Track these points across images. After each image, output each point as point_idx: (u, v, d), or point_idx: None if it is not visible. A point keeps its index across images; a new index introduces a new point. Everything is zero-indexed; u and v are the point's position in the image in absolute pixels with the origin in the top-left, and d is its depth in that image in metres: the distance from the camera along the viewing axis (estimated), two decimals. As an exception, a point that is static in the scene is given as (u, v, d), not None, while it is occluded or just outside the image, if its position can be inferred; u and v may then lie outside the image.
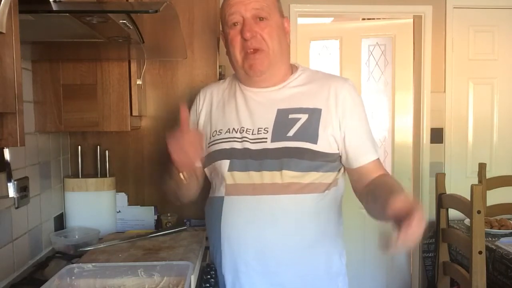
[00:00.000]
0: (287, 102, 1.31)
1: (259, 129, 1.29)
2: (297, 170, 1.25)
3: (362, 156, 1.30)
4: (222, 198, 1.31)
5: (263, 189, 1.25)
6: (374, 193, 1.23)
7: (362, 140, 1.31)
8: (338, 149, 1.30)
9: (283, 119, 1.29)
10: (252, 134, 1.29)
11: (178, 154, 1.23)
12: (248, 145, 1.28)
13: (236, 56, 1.31)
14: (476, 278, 2.04)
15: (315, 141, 1.26)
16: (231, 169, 1.29)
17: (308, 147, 1.25)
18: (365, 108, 1.36)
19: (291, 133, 1.26)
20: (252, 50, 1.28)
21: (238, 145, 1.29)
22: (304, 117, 1.28)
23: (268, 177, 1.25)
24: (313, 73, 1.39)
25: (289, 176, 1.25)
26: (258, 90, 1.35)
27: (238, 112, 1.33)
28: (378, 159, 1.33)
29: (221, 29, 1.40)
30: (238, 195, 1.28)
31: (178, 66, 1.98)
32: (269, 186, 1.25)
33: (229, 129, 1.32)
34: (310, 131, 1.27)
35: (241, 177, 1.28)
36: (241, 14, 1.27)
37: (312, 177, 1.27)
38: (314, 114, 1.28)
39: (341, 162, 1.33)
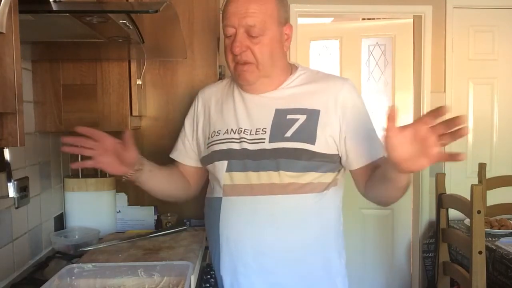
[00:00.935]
0: (285, 103, 1.30)
1: (257, 130, 1.28)
2: (295, 170, 1.24)
3: (361, 157, 1.29)
4: (220, 199, 1.30)
5: (261, 190, 1.25)
6: (374, 176, 1.25)
7: (361, 140, 1.29)
8: (338, 150, 1.29)
9: (281, 120, 1.28)
10: (250, 134, 1.28)
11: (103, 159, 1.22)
12: (246, 146, 1.28)
13: (228, 63, 1.31)
14: (476, 278, 2.04)
15: (313, 142, 1.25)
16: (229, 169, 1.28)
17: (306, 148, 1.24)
18: (365, 107, 1.35)
19: (289, 133, 1.26)
20: (243, 62, 1.27)
21: (236, 146, 1.29)
22: (302, 118, 1.27)
23: (266, 177, 1.25)
24: (313, 74, 1.38)
25: (287, 176, 1.24)
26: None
27: (236, 113, 1.33)
28: (381, 158, 1.29)
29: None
30: (236, 195, 1.27)
31: (178, 66, 1.98)
32: (267, 187, 1.25)
33: (227, 129, 1.32)
34: (308, 132, 1.26)
35: (239, 177, 1.27)
36: (234, 27, 1.25)
37: (311, 177, 1.26)
38: (313, 115, 1.27)
39: (341, 163, 1.33)
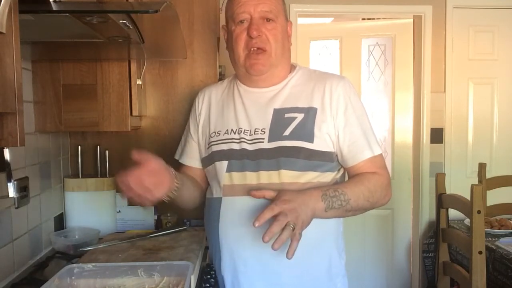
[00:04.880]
0: (283, 102, 1.32)
1: (256, 130, 1.29)
2: (295, 169, 1.25)
3: (356, 154, 1.30)
4: (220, 199, 1.31)
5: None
6: None
7: (356, 137, 1.30)
8: (334, 148, 1.30)
9: (279, 119, 1.29)
10: (250, 135, 1.29)
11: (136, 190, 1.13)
12: (245, 146, 1.29)
13: (239, 53, 1.31)
14: (476, 278, 2.04)
15: (311, 140, 1.26)
16: (229, 169, 1.29)
17: (304, 146, 1.25)
18: (363, 105, 1.36)
19: (287, 132, 1.27)
20: (256, 48, 1.28)
21: (236, 146, 1.30)
22: (300, 116, 1.28)
23: (265, 177, 1.26)
24: (310, 72, 1.40)
25: (286, 176, 1.25)
26: (256, 90, 1.35)
27: (236, 113, 1.34)
28: (376, 156, 1.31)
29: (222, 25, 1.41)
30: (236, 195, 1.28)
31: (178, 66, 1.98)
32: (266, 187, 1.25)
33: (227, 130, 1.33)
34: (306, 130, 1.27)
35: (238, 177, 1.28)
36: (249, 13, 1.28)
37: (310, 176, 1.27)
38: (310, 113, 1.29)
39: (339, 162, 1.33)
